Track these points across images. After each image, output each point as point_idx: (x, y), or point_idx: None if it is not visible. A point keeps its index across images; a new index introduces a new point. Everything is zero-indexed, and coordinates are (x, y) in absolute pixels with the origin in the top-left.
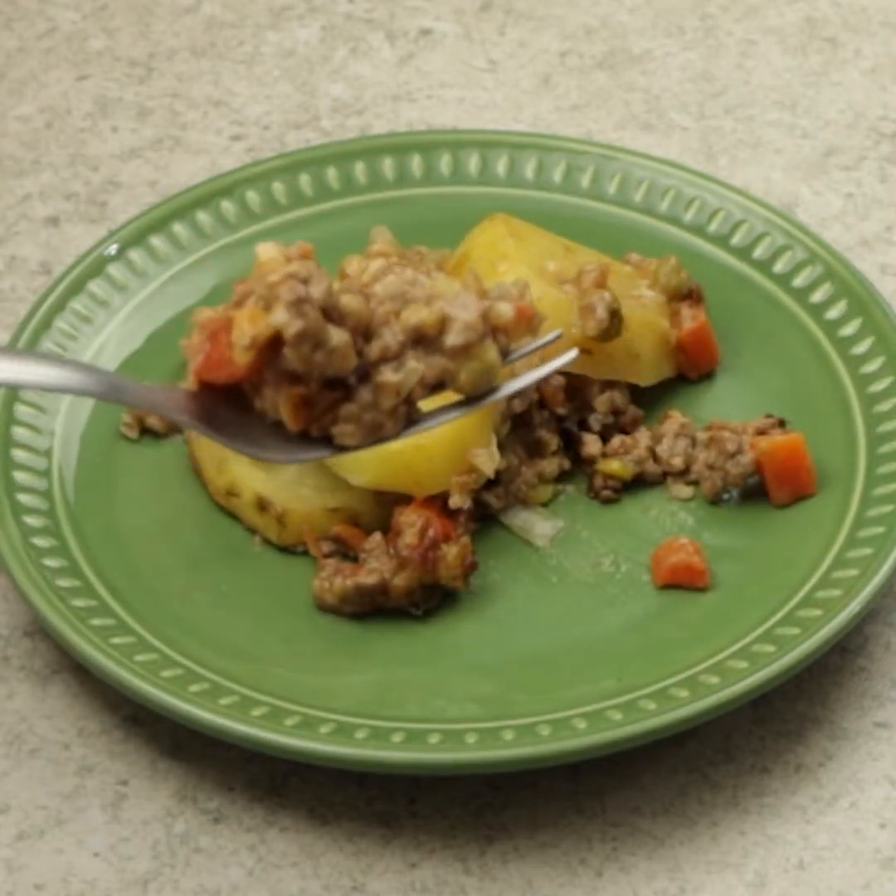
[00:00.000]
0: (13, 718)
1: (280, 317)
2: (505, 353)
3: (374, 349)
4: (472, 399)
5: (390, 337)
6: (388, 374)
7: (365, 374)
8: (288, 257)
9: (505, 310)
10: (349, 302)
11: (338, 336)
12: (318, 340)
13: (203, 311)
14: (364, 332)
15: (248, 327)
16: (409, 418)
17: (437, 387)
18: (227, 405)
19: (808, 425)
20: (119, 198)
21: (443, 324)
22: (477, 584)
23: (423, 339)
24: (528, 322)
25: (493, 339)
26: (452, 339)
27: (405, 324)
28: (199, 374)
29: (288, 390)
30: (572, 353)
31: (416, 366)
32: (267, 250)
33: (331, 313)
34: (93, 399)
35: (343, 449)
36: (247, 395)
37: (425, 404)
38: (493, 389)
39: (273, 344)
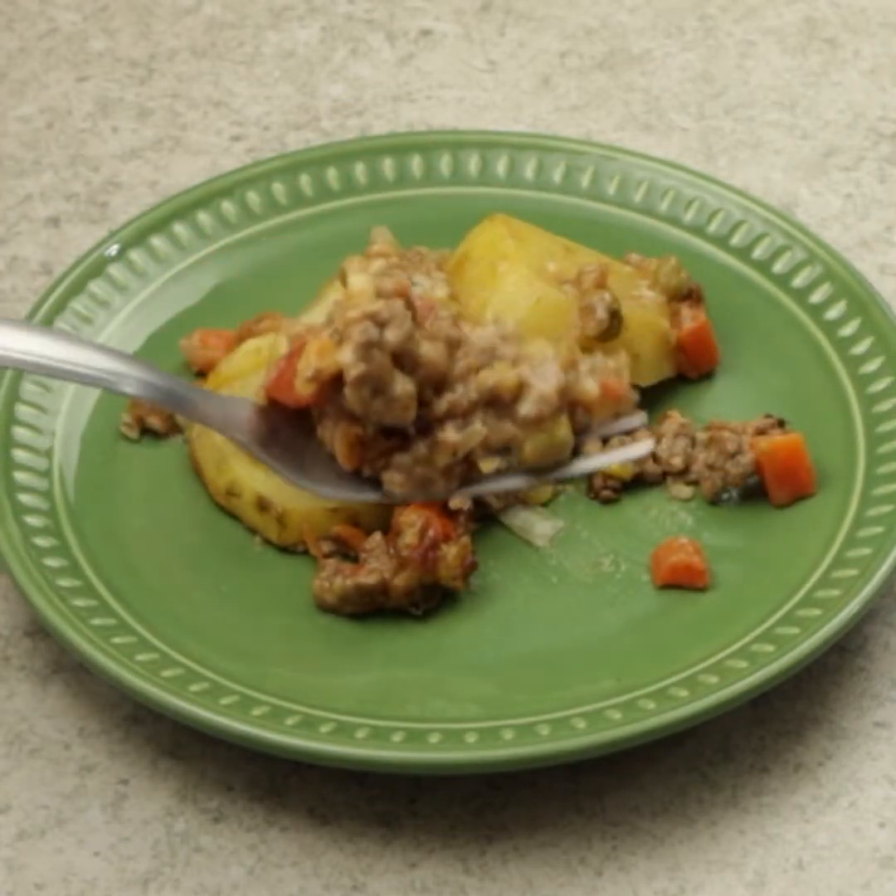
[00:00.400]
0: (14, 718)
1: (345, 356)
2: (584, 430)
3: (442, 403)
4: (537, 470)
5: (462, 393)
6: (449, 432)
7: (426, 426)
8: (379, 292)
9: (590, 387)
10: (428, 351)
11: (402, 386)
12: (380, 387)
13: (296, 325)
14: (437, 383)
15: (314, 359)
16: (466, 477)
17: (502, 451)
18: (292, 425)
19: (807, 425)
20: (119, 198)
21: (520, 390)
22: (477, 584)
23: (497, 402)
24: (616, 402)
25: (571, 414)
26: (525, 408)
27: (482, 383)
28: (268, 391)
29: (346, 428)
30: (649, 444)
31: (479, 429)
32: (359, 281)
33: (404, 359)
34: (99, 394)
35: (391, 495)
36: (312, 419)
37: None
38: (560, 464)
39: (336, 380)
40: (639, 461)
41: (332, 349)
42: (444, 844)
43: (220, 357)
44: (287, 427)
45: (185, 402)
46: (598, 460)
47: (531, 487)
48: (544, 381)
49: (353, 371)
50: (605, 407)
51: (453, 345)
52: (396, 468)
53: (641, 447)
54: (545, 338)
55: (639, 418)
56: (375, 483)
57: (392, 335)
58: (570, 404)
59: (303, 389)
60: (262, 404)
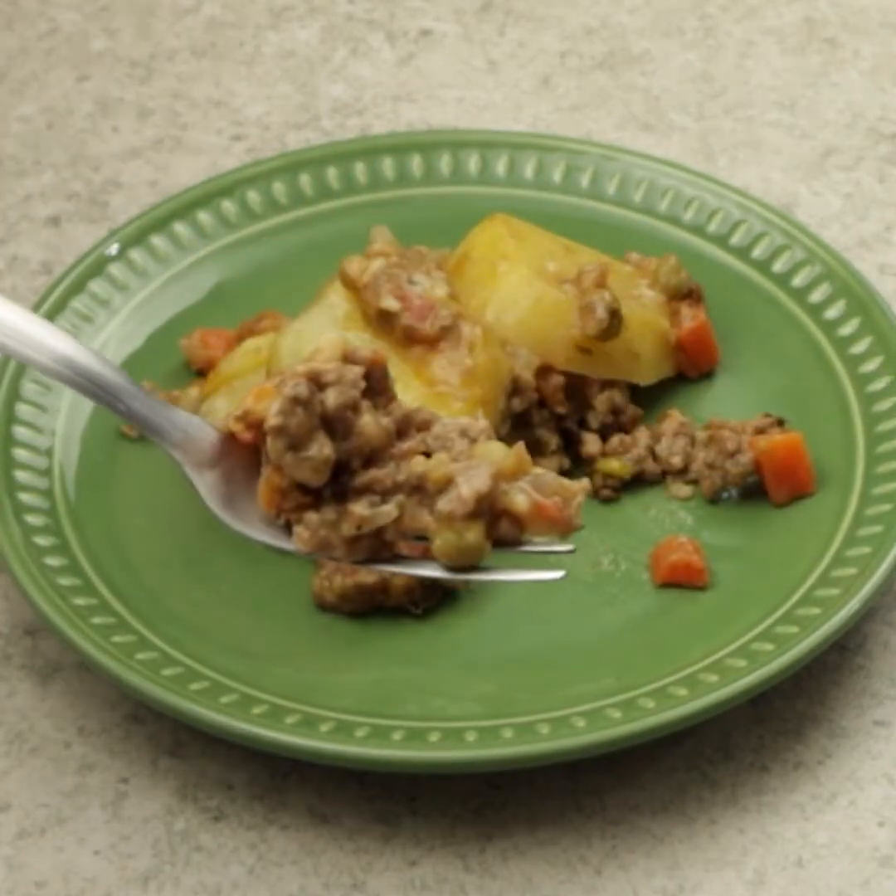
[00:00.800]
0: (14, 717)
1: (271, 407)
2: (511, 543)
3: (364, 476)
4: (449, 566)
5: (390, 471)
6: (358, 505)
7: (342, 493)
8: (345, 354)
9: (519, 502)
10: (368, 424)
11: (319, 448)
12: (296, 444)
13: (293, 367)
14: (369, 456)
15: (250, 401)
16: (376, 552)
17: (421, 539)
18: (245, 459)
19: (806, 424)
20: (120, 198)
21: (445, 484)
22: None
23: (421, 490)
24: (550, 524)
25: (494, 523)
26: (441, 503)
27: (412, 468)
28: (228, 420)
29: (271, 473)
30: (558, 574)
31: (389, 510)
32: (329, 340)
33: (335, 425)
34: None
35: (299, 549)
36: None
37: None
38: (474, 568)
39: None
40: (638, 460)
41: (269, 396)
42: (443, 842)
43: (220, 356)
44: (238, 460)
45: (140, 410)
46: (505, 575)
47: (445, 582)
48: (468, 483)
49: (272, 421)
50: (537, 525)
51: (413, 424)
52: (305, 524)
53: (550, 575)
54: (543, 340)
55: (567, 548)
56: (288, 532)
57: (330, 396)
58: (497, 513)
59: (232, 427)
60: (225, 433)
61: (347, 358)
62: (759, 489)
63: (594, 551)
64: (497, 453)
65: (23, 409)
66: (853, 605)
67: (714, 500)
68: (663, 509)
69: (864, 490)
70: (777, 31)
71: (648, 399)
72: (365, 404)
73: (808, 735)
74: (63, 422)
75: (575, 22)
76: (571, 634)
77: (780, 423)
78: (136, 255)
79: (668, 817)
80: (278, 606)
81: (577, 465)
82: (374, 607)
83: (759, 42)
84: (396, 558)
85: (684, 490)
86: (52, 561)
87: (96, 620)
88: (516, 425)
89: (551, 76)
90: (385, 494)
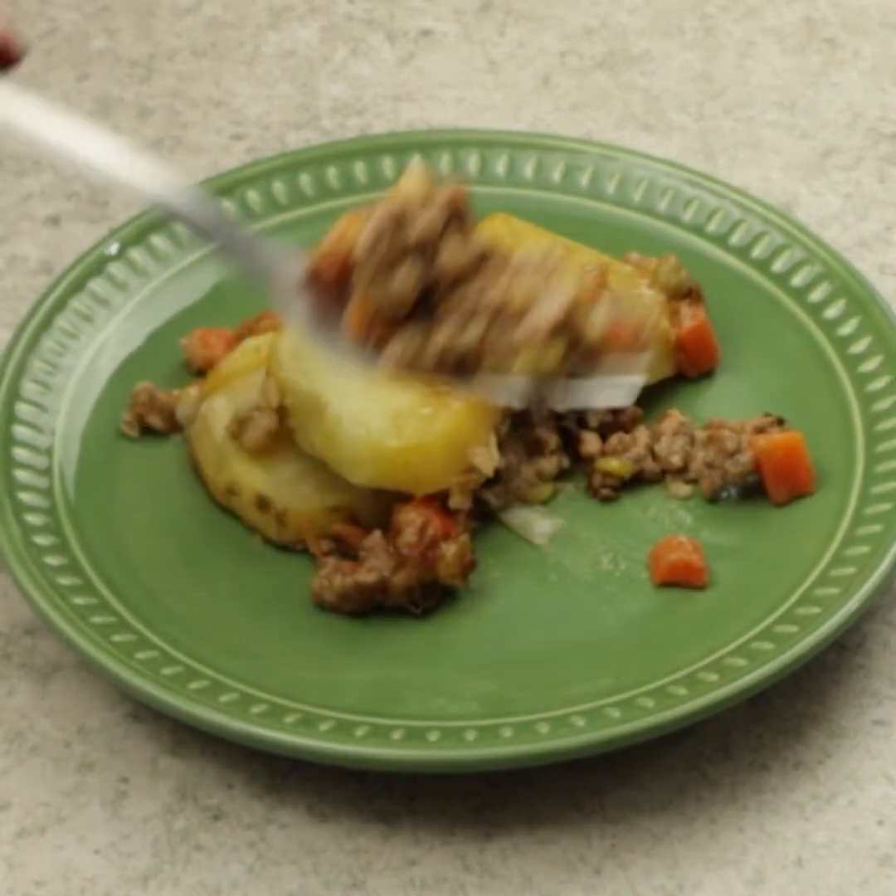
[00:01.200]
0: (14, 716)
1: (360, 235)
2: (586, 369)
3: (449, 301)
4: (529, 387)
5: (473, 296)
6: (444, 327)
7: (427, 317)
8: (426, 195)
9: (598, 321)
10: (452, 251)
11: (406, 273)
12: (383, 270)
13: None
14: (453, 281)
15: (336, 234)
16: (461, 372)
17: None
18: (329, 298)
19: (806, 424)
20: (120, 197)
21: (528, 305)
22: (476, 582)
23: (504, 312)
24: (626, 341)
25: (573, 348)
26: (524, 323)
27: (493, 293)
28: (313, 253)
29: (359, 301)
30: (635, 379)
31: (474, 330)
32: (410, 183)
33: (421, 252)
34: (100, 392)
35: (383, 368)
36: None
37: None
38: (553, 389)
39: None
40: (637, 459)
41: (355, 226)
42: (443, 842)
43: (220, 356)
44: (318, 300)
45: (234, 240)
46: (583, 396)
47: (521, 402)
48: (548, 303)
49: (361, 248)
50: (613, 344)
51: (493, 255)
52: (394, 345)
53: (627, 381)
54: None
55: (637, 378)
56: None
57: (416, 227)
58: (576, 336)
59: (319, 258)
60: (308, 270)
61: (428, 200)
62: (759, 489)
63: (593, 550)
64: (576, 278)
65: (23, 409)
66: (853, 604)
67: (713, 499)
68: (663, 508)
69: (864, 489)
70: (777, 31)
71: (648, 399)
72: (448, 233)
73: (807, 734)
74: (63, 421)
75: (575, 22)
76: (571, 634)
77: (780, 422)
78: (136, 254)
79: (667, 816)
80: (278, 606)
81: (577, 463)
82: (373, 607)
83: (759, 42)
84: (478, 379)
85: (684, 489)
86: (52, 560)
87: (96, 620)
88: (516, 424)
89: (551, 76)
90: (469, 316)
